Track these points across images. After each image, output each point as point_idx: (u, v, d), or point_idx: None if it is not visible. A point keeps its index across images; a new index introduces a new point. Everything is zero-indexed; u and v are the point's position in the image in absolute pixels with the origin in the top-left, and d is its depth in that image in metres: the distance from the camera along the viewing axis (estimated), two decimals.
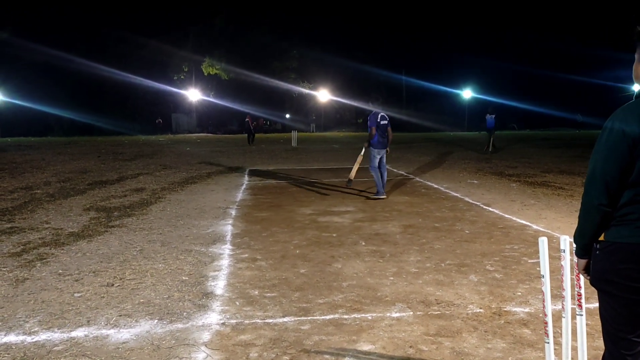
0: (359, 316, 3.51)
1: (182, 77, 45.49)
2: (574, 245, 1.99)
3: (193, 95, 45.20)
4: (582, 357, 2.29)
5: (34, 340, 3.17)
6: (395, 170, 13.00)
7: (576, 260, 2.00)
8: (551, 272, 2.35)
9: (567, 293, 2.32)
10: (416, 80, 45.11)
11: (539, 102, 41.53)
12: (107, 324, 3.40)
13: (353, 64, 44.00)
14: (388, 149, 8.61)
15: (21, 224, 6.67)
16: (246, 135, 26.58)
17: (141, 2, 43.92)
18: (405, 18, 48.26)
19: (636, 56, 1.84)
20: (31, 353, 2.99)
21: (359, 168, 9.35)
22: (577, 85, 45.59)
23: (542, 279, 2.37)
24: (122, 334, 3.24)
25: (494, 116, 18.86)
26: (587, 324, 2.56)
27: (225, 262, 4.86)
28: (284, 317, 3.50)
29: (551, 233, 5.81)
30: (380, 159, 8.48)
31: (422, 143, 25.06)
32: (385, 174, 8.68)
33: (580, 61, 43.80)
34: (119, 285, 4.18)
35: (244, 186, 10.25)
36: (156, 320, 3.45)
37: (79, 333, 3.26)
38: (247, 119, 26.41)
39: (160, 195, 8.98)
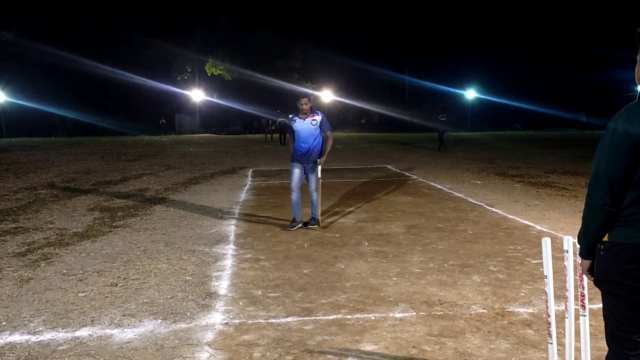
0: (362, 316, 3.51)
1: (185, 77, 45.55)
2: (578, 246, 1.99)
3: (196, 95, 45.27)
4: (586, 357, 2.29)
5: (38, 339, 3.18)
6: (398, 170, 12.99)
7: (579, 261, 2.00)
8: (554, 272, 2.35)
9: (571, 294, 2.32)
10: (419, 80, 45.01)
11: (542, 103, 41.38)
12: (111, 324, 3.41)
13: (356, 64, 43.96)
14: (320, 160, 6.36)
15: (25, 224, 6.70)
16: (279, 135, 26.73)
17: (145, 2, 44.04)
18: (408, 18, 48.21)
19: (638, 57, 1.84)
20: (36, 352, 3.01)
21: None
22: (582, 85, 45.44)
23: (545, 279, 2.37)
24: (126, 334, 3.25)
25: (443, 117, 20.52)
26: (590, 325, 2.56)
27: (228, 262, 4.87)
28: (287, 317, 3.51)
29: (555, 234, 5.80)
30: (306, 175, 6.37)
31: (424, 143, 25.02)
32: (315, 198, 6.41)
33: (584, 61, 43.65)
34: (122, 285, 4.20)
35: (247, 186, 10.26)
36: (160, 320, 3.47)
37: (83, 333, 3.28)
38: (281, 119, 26.85)
39: (163, 196, 9.00)
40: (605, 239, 1.88)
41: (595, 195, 1.82)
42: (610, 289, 1.84)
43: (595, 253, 1.90)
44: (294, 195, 6.28)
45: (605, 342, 1.97)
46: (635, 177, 1.74)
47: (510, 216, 6.91)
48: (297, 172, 6.24)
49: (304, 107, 6.16)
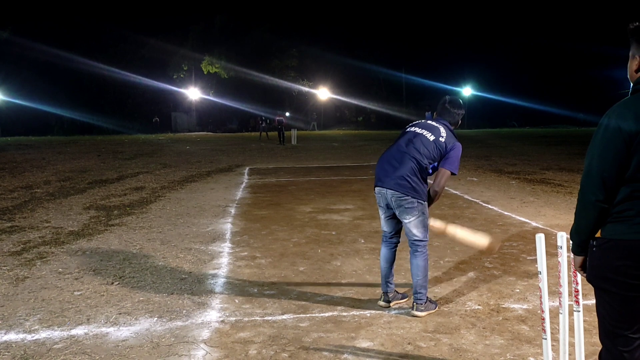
0: (357, 313, 3.52)
1: (181, 75, 45.47)
2: (571, 242, 1.99)
3: (193, 93, 45.20)
4: (580, 353, 2.30)
5: (34, 338, 3.18)
6: None
7: (572, 257, 2.01)
8: (549, 268, 2.36)
9: (564, 289, 2.33)
10: (416, 77, 45.02)
11: (539, 100, 41.46)
12: (106, 322, 3.41)
13: (353, 61, 43.97)
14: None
15: (21, 222, 6.69)
16: (277, 134, 26.01)
17: (142, 1, 43.93)
18: (405, 15, 48.21)
19: (630, 53, 1.85)
20: (31, 351, 3.01)
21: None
22: (578, 83, 45.53)
23: (540, 275, 2.38)
24: (121, 332, 3.25)
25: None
26: (584, 320, 2.57)
27: (224, 260, 4.87)
28: (283, 314, 3.51)
29: (550, 230, 5.82)
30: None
31: None
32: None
33: (581, 59, 43.71)
34: (118, 284, 4.19)
35: (243, 184, 10.26)
36: (156, 318, 3.46)
37: (78, 331, 3.27)
38: (279, 118, 26.60)
39: (160, 194, 8.99)
40: (598, 235, 1.88)
41: (587, 191, 1.82)
42: (603, 286, 1.85)
43: (587, 249, 1.91)
44: None
45: (598, 337, 1.98)
46: (627, 173, 1.75)
47: (506, 213, 6.93)
48: None
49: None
